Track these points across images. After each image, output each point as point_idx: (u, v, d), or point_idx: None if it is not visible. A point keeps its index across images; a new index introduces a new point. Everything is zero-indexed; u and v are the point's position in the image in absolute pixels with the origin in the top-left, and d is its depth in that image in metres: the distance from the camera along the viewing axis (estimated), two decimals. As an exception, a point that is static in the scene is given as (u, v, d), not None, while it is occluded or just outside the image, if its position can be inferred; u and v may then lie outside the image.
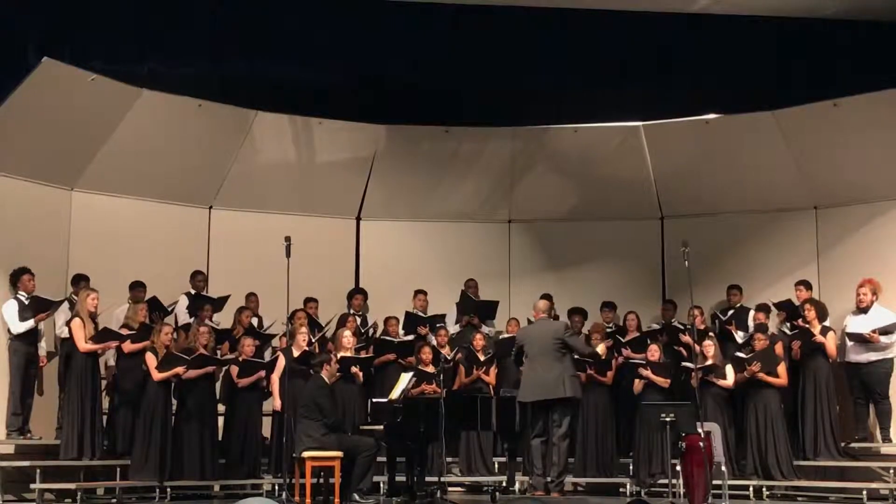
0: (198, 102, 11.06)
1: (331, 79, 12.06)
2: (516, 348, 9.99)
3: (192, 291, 11.08)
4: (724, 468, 9.22)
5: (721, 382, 10.24)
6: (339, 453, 9.09)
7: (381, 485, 10.14)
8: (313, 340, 10.55)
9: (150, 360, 9.79)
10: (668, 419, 8.79)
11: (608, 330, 11.26)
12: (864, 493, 9.70)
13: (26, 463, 9.47)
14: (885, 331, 10.15)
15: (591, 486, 10.86)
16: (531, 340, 9.86)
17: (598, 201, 12.24)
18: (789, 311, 10.79)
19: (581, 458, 10.67)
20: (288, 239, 9.27)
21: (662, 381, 10.32)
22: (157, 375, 9.76)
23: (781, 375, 10.21)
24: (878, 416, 10.31)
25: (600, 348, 10.53)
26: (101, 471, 9.93)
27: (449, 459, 10.47)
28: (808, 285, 10.84)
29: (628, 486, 10.54)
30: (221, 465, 10.21)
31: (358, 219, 12.50)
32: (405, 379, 9.69)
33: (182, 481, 9.90)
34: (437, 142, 12.11)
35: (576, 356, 9.92)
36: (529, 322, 10.52)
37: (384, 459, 9.83)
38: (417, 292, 11.64)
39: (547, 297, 11.41)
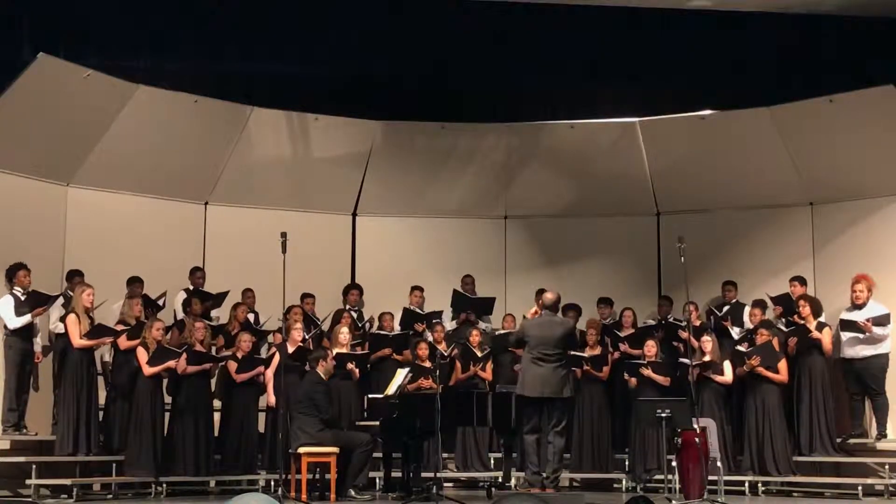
0: (194, 98, 11.05)
1: (327, 75, 12.09)
2: (516, 337, 9.74)
3: (191, 287, 11.06)
4: (719, 464, 9.25)
5: (719, 379, 10.23)
6: (334, 449, 9.10)
7: (377, 480, 10.15)
8: (307, 336, 10.54)
9: (142, 355, 9.78)
10: (663, 415, 8.81)
11: (604, 324, 11.26)
12: (860, 488, 9.71)
13: (22, 458, 9.45)
14: (878, 321, 10.14)
15: (586, 482, 10.87)
16: (535, 335, 9.65)
17: (594, 197, 12.23)
18: (786, 305, 10.78)
19: (577, 453, 10.69)
20: (284, 235, 9.25)
21: (663, 380, 10.32)
22: (148, 370, 9.76)
23: (782, 372, 10.20)
24: (873, 411, 10.32)
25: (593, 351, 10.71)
26: (96, 466, 9.91)
27: (445, 455, 10.46)
28: (802, 281, 10.83)
29: (624, 482, 10.56)
30: (217, 461, 10.22)
31: (354, 214, 12.49)
32: (401, 375, 9.70)
33: (178, 477, 9.91)
34: (433, 138, 12.11)
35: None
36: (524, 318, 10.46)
37: (380, 455, 9.84)
38: (414, 289, 11.61)
39: (542, 290, 11.43)
